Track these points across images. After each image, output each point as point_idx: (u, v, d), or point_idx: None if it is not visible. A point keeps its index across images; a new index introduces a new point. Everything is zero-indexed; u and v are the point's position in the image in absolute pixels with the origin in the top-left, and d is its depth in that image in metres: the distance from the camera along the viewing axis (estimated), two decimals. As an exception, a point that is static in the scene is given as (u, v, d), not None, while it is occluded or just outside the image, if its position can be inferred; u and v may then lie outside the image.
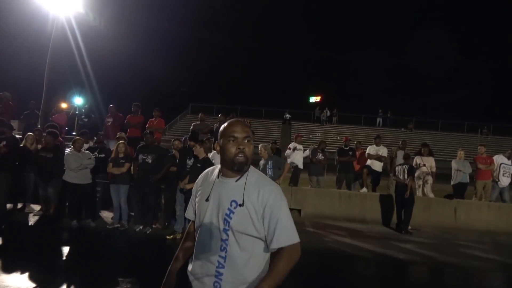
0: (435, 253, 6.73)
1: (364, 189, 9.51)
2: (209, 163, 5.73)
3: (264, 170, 7.10)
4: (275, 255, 1.67)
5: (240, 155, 1.67)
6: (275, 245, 1.64)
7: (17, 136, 7.66)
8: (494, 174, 9.37)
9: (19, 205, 7.64)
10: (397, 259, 6.29)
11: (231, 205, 1.67)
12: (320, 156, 9.67)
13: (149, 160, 6.78)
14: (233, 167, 1.69)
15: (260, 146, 7.50)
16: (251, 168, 1.77)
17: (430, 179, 9.32)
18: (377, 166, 9.73)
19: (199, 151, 6.09)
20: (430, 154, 9.68)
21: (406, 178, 7.99)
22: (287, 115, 33.83)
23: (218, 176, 1.78)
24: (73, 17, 13.48)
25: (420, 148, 9.70)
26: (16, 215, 7.25)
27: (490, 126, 32.83)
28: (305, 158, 10.03)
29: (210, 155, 6.62)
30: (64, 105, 31.97)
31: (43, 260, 5.09)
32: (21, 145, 7.23)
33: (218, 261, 1.67)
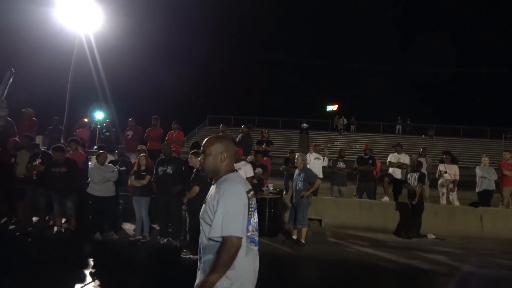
0: (461, 263, 6.53)
1: (386, 198, 9.36)
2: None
3: (295, 180, 7.06)
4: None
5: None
6: (211, 235, 2.01)
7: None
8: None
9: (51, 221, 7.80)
10: (421, 270, 6.13)
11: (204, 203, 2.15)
12: (341, 165, 9.59)
13: (169, 171, 6.85)
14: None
15: (297, 155, 7.46)
16: (227, 175, 2.15)
17: (454, 187, 9.11)
18: (399, 174, 9.58)
19: (194, 161, 6.08)
20: (454, 161, 9.47)
21: (416, 185, 7.90)
22: (305, 124, 33.76)
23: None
24: (93, 34, 13.91)
25: (442, 156, 9.51)
26: (45, 230, 7.44)
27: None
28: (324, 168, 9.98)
29: (237, 165, 6.73)
30: (85, 120, 32.79)
31: (70, 272, 5.20)
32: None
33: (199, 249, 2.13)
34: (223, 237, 1.97)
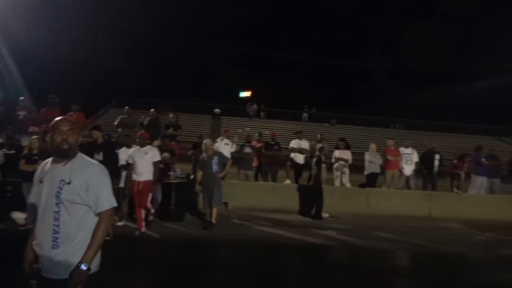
0: (350, 238, 7.36)
1: (288, 181, 9.98)
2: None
3: (207, 164, 7.19)
4: (96, 225, 2.18)
5: (64, 143, 2.15)
6: (100, 209, 2.17)
7: None
8: (400, 165, 10.42)
9: None
10: (315, 244, 6.81)
11: (60, 183, 2.13)
12: (247, 150, 9.94)
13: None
14: (59, 154, 2.18)
15: (205, 141, 7.57)
16: (78, 154, 2.24)
17: (347, 171, 10.09)
18: (300, 158, 10.27)
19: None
20: (347, 147, 10.46)
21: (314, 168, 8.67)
22: (217, 109, 33.84)
23: (51, 163, 2.23)
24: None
25: (338, 142, 10.44)
26: None
27: (403, 121, 35.96)
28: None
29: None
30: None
31: None
32: None
33: (53, 229, 2.11)
34: (101, 213, 2.19)
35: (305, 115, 36.70)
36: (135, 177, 6.62)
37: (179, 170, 8.51)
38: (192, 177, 9.03)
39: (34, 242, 2.21)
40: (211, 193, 7.17)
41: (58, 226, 2.11)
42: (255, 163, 10.25)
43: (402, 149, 10.58)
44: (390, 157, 10.30)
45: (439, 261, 6.32)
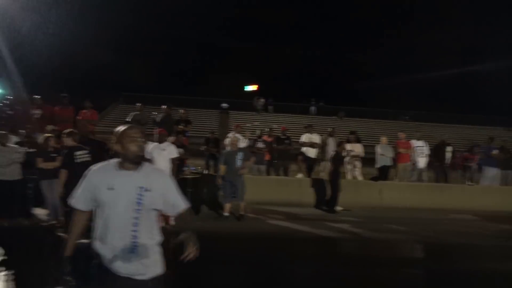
0: (363, 230, 7.44)
1: (300, 175, 10.06)
2: None
3: (232, 159, 7.38)
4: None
5: (140, 152, 2.24)
6: (177, 210, 2.33)
7: None
8: (412, 157, 10.42)
9: None
10: (329, 237, 6.91)
11: (139, 190, 2.18)
12: (260, 145, 10.03)
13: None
14: (135, 161, 2.22)
15: (233, 136, 7.77)
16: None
17: (358, 164, 10.13)
18: (311, 152, 10.33)
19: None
20: (358, 140, 10.50)
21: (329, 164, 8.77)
22: (225, 104, 33.97)
23: (117, 169, 2.23)
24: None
25: (348, 136, 10.47)
26: None
27: (413, 113, 35.69)
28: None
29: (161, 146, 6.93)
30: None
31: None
32: None
33: (132, 235, 2.17)
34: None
35: (313, 108, 36.62)
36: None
37: (193, 166, 8.63)
38: (206, 172, 9.15)
39: (100, 248, 2.22)
40: (235, 188, 7.34)
41: (137, 231, 2.17)
42: (267, 157, 10.34)
43: (414, 142, 10.58)
44: (401, 150, 10.31)
45: (452, 253, 6.40)
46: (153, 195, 2.20)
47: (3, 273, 4.55)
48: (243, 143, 10.29)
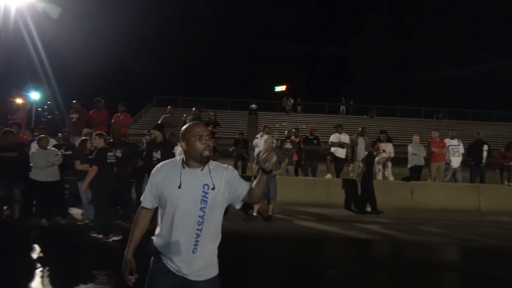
0: (395, 232, 7.28)
1: (329, 175, 9.96)
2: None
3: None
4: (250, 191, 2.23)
5: (208, 150, 2.14)
6: (245, 192, 2.21)
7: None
8: (446, 157, 10.09)
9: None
10: (360, 239, 6.77)
11: (204, 188, 2.13)
12: (288, 145, 10.02)
13: (119, 154, 6.81)
14: (201, 160, 2.14)
15: (267, 137, 7.82)
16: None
17: (389, 164, 9.91)
18: (340, 153, 10.20)
19: None
20: (389, 140, 10.27)
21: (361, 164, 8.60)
22: (253, 105, 34.15)
23: (182, 167, 2.18)
24: (27, 7, 12.91)
25: (379, 135, 10.26)
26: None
27: (446, 111, 34.49)
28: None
29: (177, 149, 7.00)
30: (19, 101, 30.55)
31: (20, 260, 5.09)
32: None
33: (196, 233, 2.13)
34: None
35: (342, 107, 36.16)
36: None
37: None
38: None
39: (160, 247, 2.19)
40: (268, 189, 7.38)
41: (200, 230, 2.13)
42: (294, 158, 10.31)
43: (448, 141, 10.24)
44: (434, 149, 10.00)
45: (489, 256, 6.11)
46: (217, 192, 2.15)
47: (39, 269, 4.79)
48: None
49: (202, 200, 2.12)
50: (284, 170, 9.95)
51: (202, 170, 2.16)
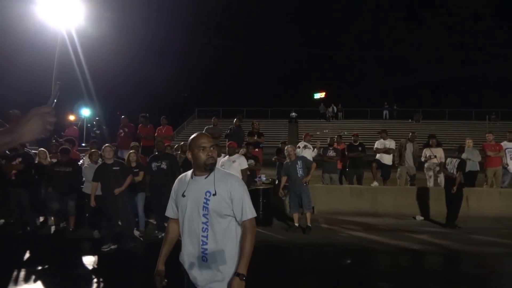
0: (449, 242, 6.84)
1: (375, 183, 9.62)
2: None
3: (293, 169, 7.34)
4: (241, 236, 2.22)
5: (211, 159, 2.23)
6: (244, 218, 2.19)
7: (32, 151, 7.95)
8: (503, 161, 9.42)
9: (41, 219, 7.90)
10: (411, 250, 6.42)
11: (206, 194, 2.19)
12: (331, 153, 9.81)
13: (164, 166, 6.98)
14: (205, 168, 2.22)
15: (287, 147, 7.74)
16: (216, 167, 2.30)
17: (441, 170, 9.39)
18: (386, 159, 9.83)
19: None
20: (438, 145, 9.77)
21: (455, 172, 7.77)
22: (293, 113, 34.01)
23: (191, 177, 2.28)
24: (75, 29, 13.69)
25: (427, 140, 9.79)
26: (40, 229, 7.52)
27: (499, 112, 32.45)
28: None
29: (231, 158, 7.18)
30: (72, 117, 32.50)
31: (78, 269, 5.32)
32: (36, 161, 7.56)
33: (202, 240, 2.18)
34: (245, 223, 2.22)
35: (385, 112, 35.09)
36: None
37: (264, 176, 8.70)
38: (277, 182, 9.17)
39: (181, 257, 2.28)
40: (300, 198, 7.24)
41: (206, 237, 2.18)
42: (339, 166, 10.08)
43: (505, 144, 9.57)
44: (490, 153, 9.38)
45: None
46: (218, 198, 2.17)
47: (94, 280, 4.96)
48: (313, 152, 10.14)
49: (203, 207, 2.18)
50: (328, 178, 9.76)
51: (206, 178, 2.24)
